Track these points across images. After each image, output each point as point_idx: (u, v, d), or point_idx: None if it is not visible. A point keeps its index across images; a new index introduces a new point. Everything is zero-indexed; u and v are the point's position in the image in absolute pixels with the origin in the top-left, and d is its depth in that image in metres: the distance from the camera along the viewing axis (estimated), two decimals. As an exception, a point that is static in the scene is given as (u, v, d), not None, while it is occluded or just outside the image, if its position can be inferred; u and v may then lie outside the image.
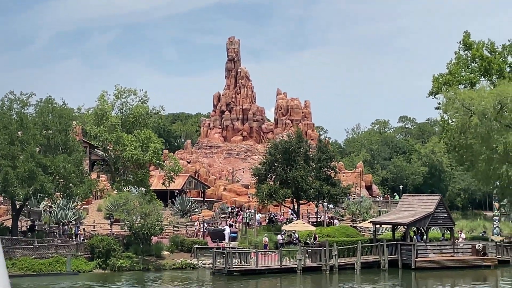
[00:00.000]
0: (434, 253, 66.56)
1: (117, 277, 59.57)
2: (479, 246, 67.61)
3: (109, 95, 72.05)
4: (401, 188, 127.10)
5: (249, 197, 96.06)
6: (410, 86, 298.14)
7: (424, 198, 71.36)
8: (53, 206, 73.13)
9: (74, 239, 67.34)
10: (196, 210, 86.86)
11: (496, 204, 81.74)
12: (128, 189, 73.12)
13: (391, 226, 72.48)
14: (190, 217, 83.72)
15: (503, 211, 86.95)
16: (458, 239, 70.63)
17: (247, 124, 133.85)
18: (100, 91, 71.71)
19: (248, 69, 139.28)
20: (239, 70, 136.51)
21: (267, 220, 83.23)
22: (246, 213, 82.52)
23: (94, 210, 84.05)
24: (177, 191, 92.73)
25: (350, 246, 66.05)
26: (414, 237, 67.25)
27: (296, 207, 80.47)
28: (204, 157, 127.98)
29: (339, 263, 63.25)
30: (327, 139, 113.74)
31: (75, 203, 75.75)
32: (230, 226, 75.55)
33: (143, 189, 71.98)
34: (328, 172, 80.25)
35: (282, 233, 70.10)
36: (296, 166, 77.70)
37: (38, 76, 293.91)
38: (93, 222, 77.33)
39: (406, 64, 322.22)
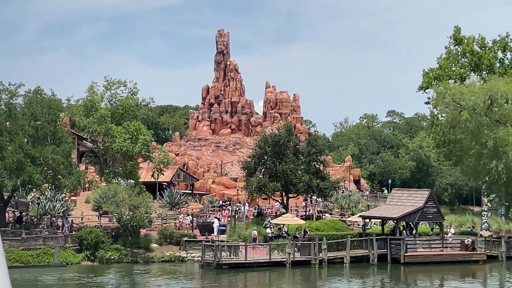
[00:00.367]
0: (423, 247, 66.56)
1: (106, 270, 59.32)
2: (468, 241, 67.65)
3: (99, 86, 71.67)
4: (389, 182, 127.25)
5: (237, 190, 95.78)
6: (399, 80, 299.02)
7: (414, 193, 71.35)
8: (41, 198, 72.67)
9: (60, 231, 66.90)
10: (185, 202, 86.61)
11: (485, 199, 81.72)
12: (117, 181, 72.71)
13: (380, 220, 72.51)
14: (179, 210, 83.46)
15: (490, 206, 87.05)
16: (447, 234, 70.67)
17: (236, 117, 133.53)
18: (88, 83, 71.64)
19: (237, 62, 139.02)
20: (228, 62, 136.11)
21: (254, 214, 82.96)
22: (232, 206, 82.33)
23: (82, 202, 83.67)
24: (165, 183, 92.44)
25: (340, 240, 65.99)
26: (404, 231, 67.20)
27: (285, 200, 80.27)
28: (192, 149, 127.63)
29: (328, 257, 63.15)
30: (316, 132, 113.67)
31: (63, 195, 75.31)
32: (218, 219, 75.36)
33: (132, 181, 71.58)
34: (318, 166, 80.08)
35: (271, 226, 69.89)
36: (286, 160, 77.48)
37: (25, 67, 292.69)
38: (81, 214, 76.95)
39: (395, 59, 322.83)
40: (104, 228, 67.30)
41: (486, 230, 77.95)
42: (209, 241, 64.05)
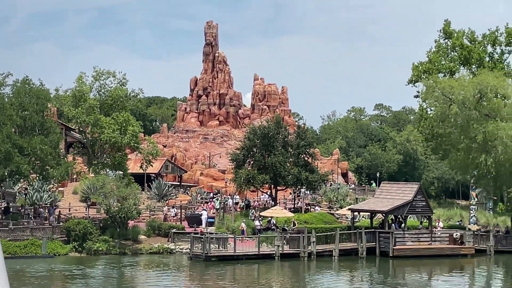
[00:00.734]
0: (412, 241, 66.59)
1: (94, 261, 58.97)
2: (456, 235, 67.76)
3: (88, 76, 71.21)
4: (378, 176, 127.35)
5: (226, 182, 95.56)
6: (386, 74, 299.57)
7: (403, 186, 71.32)
8: (28, 188, 72.19)
9: (47, 222, 66.48)
10: (173, 194, 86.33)
11: (473, 193, 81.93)
12: (105, 172, 72.32)
13: (368, 213, 72.47)
14: (167, 202, 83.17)
15: (477, 200, 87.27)
16: (436, 228, 70.75)
17: (224, 109, 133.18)
18: (75, 73, 71.36)
19: (226, 53, 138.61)
20: (216, 54, 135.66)
21: (240, 206, 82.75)
22: (220, 199, 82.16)
23: (70, 193, 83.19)
24: (153, 175, 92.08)
25: (328, 233, 65.91)
26: (393, 225, 67.18)
27: (273, 193, 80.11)
28: (180, 141, 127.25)
29: (317, 250, 63.06)
30: (303, 125, 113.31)
31: (51, 186, 74.85)
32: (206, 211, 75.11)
33: (121, 173, 71.21)
34: (307, 159, 79.95)
35: (260, 219, 69.72)
36: (275, 152, 77.30)
37: (12, 57, 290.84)
38: (69, 205, 76.50)
39: (383, 52, 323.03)
40: (92, 219, 66.99)
41: (474, 224, 78.17)
42: (197, 233, 63.83)
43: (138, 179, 78.66)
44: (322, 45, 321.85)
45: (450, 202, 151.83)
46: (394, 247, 64.63)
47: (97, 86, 71.36)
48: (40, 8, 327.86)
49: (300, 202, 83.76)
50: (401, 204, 65.85)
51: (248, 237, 64.43)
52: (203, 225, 70.35)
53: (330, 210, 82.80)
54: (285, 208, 79.51)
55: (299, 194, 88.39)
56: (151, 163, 74.61)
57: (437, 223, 73.60)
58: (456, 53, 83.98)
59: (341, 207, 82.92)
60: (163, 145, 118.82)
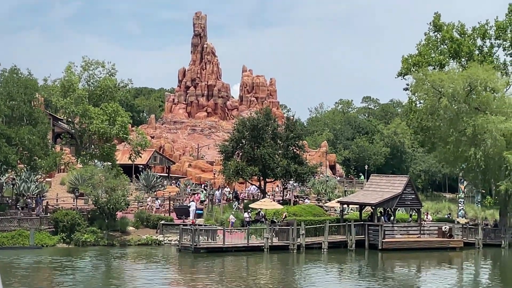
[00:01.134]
0: (400, 234, 66.61)
1: (82, 252, 58.65)
2: (445, 228, 67.82)
3: (76, 66, 70.67)
4: (366, 168, 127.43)
5: (214, 173, 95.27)
6: (374, 66, 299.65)
7: (392, 179, 71.22)
8: (16, 179, 71.72)
9: (34, 212, 66.04)
10: (161, 185, 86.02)
11: (462, 187, 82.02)
12: (93, 163, 71.90)
13: (357, 206, 72.40)
14: (155, 193, 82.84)
15: (465, 193, 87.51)
16: (424, 221, 70.81)
17: (212, 100, 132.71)
18: (60, 64, 70.80)
19: (214, 45, 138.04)
20: (205, 45, 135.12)
21: (227, 197, 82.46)
22: (209, 191, 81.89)
23: (57, 184, 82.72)
24: (141, 166, 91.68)
25: (318, 225, 65.83)
26: (382, 217, 67.16)
27: (262, 185, 79.89)
28: (168, 132, 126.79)
29: (306, 242, 63.01)
30: (292, 117, 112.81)
31: (38, 176, 74.41)
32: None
33: (109, 163, 70.84)
34: (296, 151, 79.76)
35: (248, 211, 69.53)
36: (264, 144, 77.03)
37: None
38: (56, 195, 76.05)
39: (371, 45, 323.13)
40: (79, 210, 66.62)
41: (463, 217, 78.30)
42: (186, 225, 63.62)
43: (126, 170, 78.30)
44: (310, 37, 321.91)
45: (437, 195, 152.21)
46: (383, 240, 64.62)
47: (86, 76, 70.90)
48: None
49: (288, 194, 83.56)
50: (391, 197, 65.81)
51: (237, 229, 64.25)
52: (191, 217, 70.11)
53: (319, 203, 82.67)
54: (274, 200, 79.32)
55: (285, 186, 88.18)
56: (140, 154, 74.24)
57: (426, 216, 73.63)
58: (445, 46, 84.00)
59: (329, 200, 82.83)
60: (151, 136, 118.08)
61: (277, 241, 62.59)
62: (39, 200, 68.22)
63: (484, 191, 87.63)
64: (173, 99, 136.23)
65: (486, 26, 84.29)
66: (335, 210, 76.97)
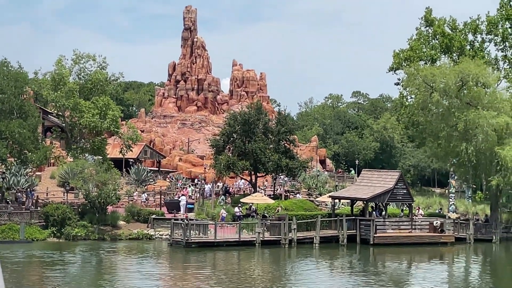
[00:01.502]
0: (392, 229, 66.58)
1: (72, 247, 58.37)
2: (436, 223, 67.84)
3: (67, 60, 70.17)
4: (357, 163, 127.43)
5: (205, 168, 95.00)
6: (364, 61, 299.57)
7: (384, 174, 71.16)
8: (5, 172, 71.25)
9: (24, 206, 65.64)
10: (152, 180, 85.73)
11: (453, 182, 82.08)
12: (84, 157, 71.47)
13: (349, 201, 72.34)
14: (146, 187, 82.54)
15: (453, 189, 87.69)
16: (416, 216, 70.82)
17: (202, 94, 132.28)
18: (49, 57, 70.31)
19: (204, 39, 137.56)
20: (195, 39, 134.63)
21: (216, 191, 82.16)
22: (190, 185, 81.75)
23: (47, 178, 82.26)
24: (132, 160, 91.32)
25: (309, 220, 65.72)
26: (373, 212, 67.11)
27: (253, 179, 79.73)
28: (157, 126, 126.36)
29: (298, 237, 62.85)
30: (282, 111, 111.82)
31: (28, 170, 74.00)
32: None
33: (100, 157, 70.47)
34: (287, 145, 79.63)
35: (239, 205, 69.32)
36: (255, 138, 76.87)
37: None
38: (46, 189, 75.65)
39: (360, 39, 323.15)
40: (70, 205, 66.26)
41: (453, 212, 78.37)
42: (178, 219, 63.39)
43: (116, 164, 77.91)
44: (300, 31, 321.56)
45: (426, 190, 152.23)
46: (375, 235, 64.59)
47: (77, 70, 70.44)
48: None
49: (279, 189, 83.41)
50: (382, 192, 65.73)
51: (228, 224, 64.06)
52: (182, 211, 69.89)
53: (310, 197, 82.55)
54: (264, 195, 79.14)
55: (275, 180, 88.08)
56: (131, 148, 73.91)
57: (418, 211, 73.65)
58: (437, 41, 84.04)
59: (320, 194, 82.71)
60: (140, 130, 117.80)
61: (269, 235, 62.43)
62: (30, 194, 67.79)
63: (475, 186, 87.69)
64: (163, 93, 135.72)
65: (477, 21, 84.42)
66: (326, 204, 76.87)
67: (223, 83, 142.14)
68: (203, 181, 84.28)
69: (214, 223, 62.19)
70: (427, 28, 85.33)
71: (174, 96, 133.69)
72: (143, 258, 54.95)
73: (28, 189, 69.53)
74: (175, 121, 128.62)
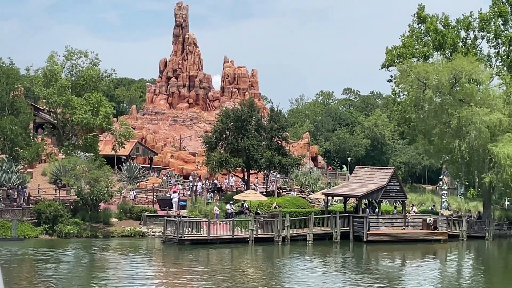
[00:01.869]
0: (385, 226, 66.58)
1: (65, 244, 58.04)
2: (430, 220, 67.82)
3: (59, 56, 69.73)
4: (349, 160, 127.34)
5: (197, 165, 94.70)
6: (355, 58, 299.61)
7: (377, 171, 71.15)
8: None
9: (16, 203, 65.24)
10: (144, 176, 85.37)
11: (446, 179, 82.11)
12: (76, 154, 71.09)
13: (341, 198, 72.26)
14: (138, 184, 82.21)
15: (446, 186, 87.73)
16: (410, 213, 70.83)
17: (194, 91, 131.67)
18: (38, 54, 69.64)
19: (195, 35, 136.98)
20: (186, 36, 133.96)
21: (208, 190, 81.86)
22: (178, 182, 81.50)
23: (38, 174, 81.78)
24: (124, 157, 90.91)
25: (302, 217, 65.62)
26: (367, 209, 67.04)
27: (246, 176, 79.52)
28: (149, 123, 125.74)
29: (291, 234, 62.76)
30: (276, 107, 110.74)
31: (20, 167, 73.58)
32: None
33: (92, 154, 70.12)
34: (280, 142, 79.45)
35: (231, 202, 69.10)
36: (248, 135, 76.66)
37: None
38: (38, 186, 75.18)
39: (351, 36, 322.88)
40: (62, 202, 65.92)
41: (446, 209, 78.41)
42: (170, 217, 63.17)
43: (108, 161, 77.44)
44: (291, 27, 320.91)
45: (417, 187, 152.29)
46: (368, 232, 64.56)
47: (69, 66, 70.00)
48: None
49: (271, 186, 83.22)
50: (376, 189, 65.68)
51: (221, 221, 63.86)
52: (174, 209, 69.63)
53: (302, 194, 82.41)
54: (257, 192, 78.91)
55: (266, 177, 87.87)
56: (124, 145, 73.57)
57: (411, 208, 73.64)
58: (430, 38, 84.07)
59: (312, 191, 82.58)
60: (132, 127, 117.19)
61: (262, 233, 62.30)
62: (21, 191, 67.39)
63: (467, 183, 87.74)
64: (154, 90, 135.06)
65: (470, 18, 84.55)
66: (319, 201, 76.78)
67: (214, 80, 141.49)
68: (197, 178, 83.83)
69: (207, 220, 61.98)
70: (420, 25, 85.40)
71: (165, 93, 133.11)
72: (136, 256, 54.66)
73: (20, 186, 69.12)
74: (166, 118, 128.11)
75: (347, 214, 66.73)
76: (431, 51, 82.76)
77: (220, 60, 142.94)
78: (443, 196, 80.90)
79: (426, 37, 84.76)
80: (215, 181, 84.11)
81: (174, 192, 75.10)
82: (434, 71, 71.44)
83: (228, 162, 75.37)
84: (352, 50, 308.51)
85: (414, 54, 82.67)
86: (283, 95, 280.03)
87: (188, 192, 78.63)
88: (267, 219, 63.76)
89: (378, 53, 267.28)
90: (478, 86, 72.60)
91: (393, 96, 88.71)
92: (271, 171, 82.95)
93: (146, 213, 66.63)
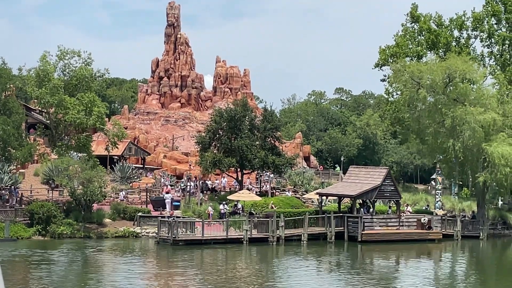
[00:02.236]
0: (380, 226, 66.44)
1: (58, 245, 57.73)
2: (424, 219, 67.73)
3: (51, 56, 69.27)
4: (342, 160, 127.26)
5: (190, 165, 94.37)
6: (347, 57, 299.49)
7: (372, 171, 71.02)
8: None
9: (8, 204, 64.84)
10: (137, 177, 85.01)
11: (440, 178, 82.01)
12: (69, 154, 70.68)
13: (335, 198, 72.06)
14: (131, 184, 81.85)
15: (433, 184, 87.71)
16: (404, 213, 70.74)
17: (186, 91, 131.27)
18: (30, 54, 69.14)
19: (187, 35, 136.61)
20: (178, 36, 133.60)
21: (199, 190, 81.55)
22: (166, 183, 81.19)
23: (31, 175, 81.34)
24: (116, 157, 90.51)
25: (297, 217, 65.43)
26: (361, 209, 66.87)
27: (240, 176, 79.26)
28: (141, 123, 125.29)
29: (286, 234, 62.56)
30: (270, 107, 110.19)
31: (12, 167, 73.17)
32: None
33: (85, 154, 69.72)
34: (273, 142, 79.25)
35: (224, 202, 68.84)
36: (241, 135, 76.44)
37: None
38: (30, 187, 74.76)
39: (343, 36, 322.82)
40: (55, 202, 65.55)
41: (440, 209, 78.32)
42: (164, 217, 62.91)
43: (101, 161, 77.03)
44: (283, 27, 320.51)
45: (409, 186, 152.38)
46: (363, 232, 64.39)
47: (61, 66, 69.53)
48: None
49: (265, 186, 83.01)
50: (370, 189, 65.52)
51: (215, 221, 63.60)
52: (167, 209, 69.33)
53: (296, 194, 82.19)
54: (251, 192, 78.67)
55: (257, 178, 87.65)
56: (117, 145, 73.19)
57: (406, 207, 73.57)
58: (423, 37, 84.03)
59: (306, 191, 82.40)
60: (124, 127, 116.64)
61: (256, 233, 62.07)
62: (14, 192, 66.97)
63: (461, 183, 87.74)
64: (146, 90, 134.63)
65: (463, 17, 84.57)
66: (312, 201, 76.57)
67: (206, 80, 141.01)
68: (192, 179, 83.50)
69: (201, 220, 61.72)
70: (413, 24, 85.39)
71: (158, 93, 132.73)
72: (130, 257, 54.37)
73: (12, 187, 68.75)
74: (158, 117, 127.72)
75: (341, 214, 66.53)
76: (425, 50, 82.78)
77: (212, 60, 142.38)
78: (437, 196, 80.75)
79: (419, 37, 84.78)
80: (207, 181, 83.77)
81: (167, 192, 74.85)
82: (428, 71, 71.32)
83: (222, 162, 75.15)
84: (344, 49, 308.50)
85: (408, 54, 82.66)
86: (275, 94, 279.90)
87: (178, 194, 78.18)
88: (261, 219, 63.51)
89: (370, 53, 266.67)
90: (472, 85, 72.51)
91: (386, 96, 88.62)
92: (264, 171, 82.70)
93: (140, 214, 66.32)
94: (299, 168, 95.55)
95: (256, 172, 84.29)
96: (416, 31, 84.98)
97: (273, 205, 68.78)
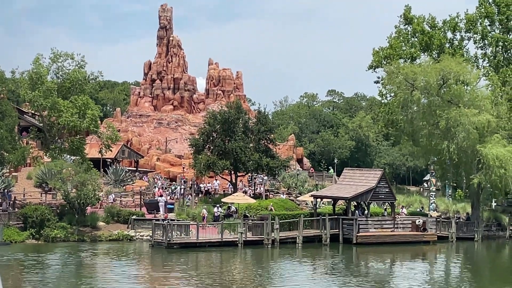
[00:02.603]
0: (375, 228, 66.31)
1: (52, 248, 57.36)
2: (419, 221, 67.67)
3: (45, 58, 68.96)
4: (336, 162, 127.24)
5: (183, 167, 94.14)
6: (339, 60, 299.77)
7: (366, 173, 70.87)
8: (-18, 173, 70.10)
9: (1, 207, 64.44)
10: (130, 180, 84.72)
11: (434, 180, 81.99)
12: (62, 157, 70.36)
13: (329, 200, 71.91)
14: (124, 187, 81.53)
15: (426, 186, 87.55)
16: (399, 215, 70.65)
17: (178, 93, 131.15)
18: (22, 57, 68.70)
19: (180, 37, 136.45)
20: (171, 38, 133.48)
21: (190, 193, 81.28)
22: (156, 185, 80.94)
23: (23, 178, 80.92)
24: (110, 160, 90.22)
25: (291, 220, 65.25)
26: (356, 212, 66.73)
27: (233, 179, 79.07)
28: (133, 126, 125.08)
29: (281, 237, 62.39)
30: (264, 109, 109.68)
31: (5, 170, 72.78)
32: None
33: (78, 157, 69.40)
34: (267, 144, 79.10)
35: (219, 205, 68.63)
36: (235, 138, 76.27)
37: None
38: (23, 190, 74.37)
39: (335, 38, 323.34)
40: (48, 206, 65.21)
41: (434, 211, 78.28)
42: (159, 220, 62.64)
43: (94, 164, 76.80)
44: (275, 29, 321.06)
45: (401, 188, 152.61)
46: (358, 234, 64.26)
47: (55, 69, 69.25)
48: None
49: (258, 188, 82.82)
50: (365, 191, 65.44)
51: (210, 224, 63.35)
52: (161, 212, 69.10)
53: (290, 197, 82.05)
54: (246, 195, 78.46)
55: (249, 180, 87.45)
56: (111, 148, 72.91)
57: (401, 209, 73.49)
58: (416, 39, 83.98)
59: (300, 194, 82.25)
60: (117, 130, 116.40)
61: (251, 236, 61.85)
62: (7, 195, 66.58)
63: (455, 184, 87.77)
64: (139, 92, 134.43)
65: (456, 19, 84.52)
66: (306, 204, 76.45)
67: (199, 82, 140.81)
68: (190, 181, 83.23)
69: (196, 223, 61.47)
70: (406, 26, 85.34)
71: (150, 95, 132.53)
72: (124, 260, 54.04)
73: (5, 190, 68.37)
74: (151, 120, 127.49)
75: (336, 216, 66.38)
76: (418, 52, 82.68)
77: (204, 62, 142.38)
78: (431, 198, 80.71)
79: (413, 38, 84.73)
80: (200, 184, 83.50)
81: (160, 195, 74.62)
82: (422, 72, 71.27)
83: (216, 164, 74.96)
84: (336, 51, 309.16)
85: (401, 55, 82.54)
86: (267, 97, 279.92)
87: (169, 197, 77.86)
88: (256, 221, 63.32)
89: (362, 55, 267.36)
90: (466, 87, 72.47)
91: (380, 98, 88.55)
92: (258, 174, 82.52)
93: (134, 217, 66.03)
94: (293, 171, 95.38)
95: (248, 174, 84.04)
96: (409, 33, 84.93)
97: (272, 207, 68.64)
